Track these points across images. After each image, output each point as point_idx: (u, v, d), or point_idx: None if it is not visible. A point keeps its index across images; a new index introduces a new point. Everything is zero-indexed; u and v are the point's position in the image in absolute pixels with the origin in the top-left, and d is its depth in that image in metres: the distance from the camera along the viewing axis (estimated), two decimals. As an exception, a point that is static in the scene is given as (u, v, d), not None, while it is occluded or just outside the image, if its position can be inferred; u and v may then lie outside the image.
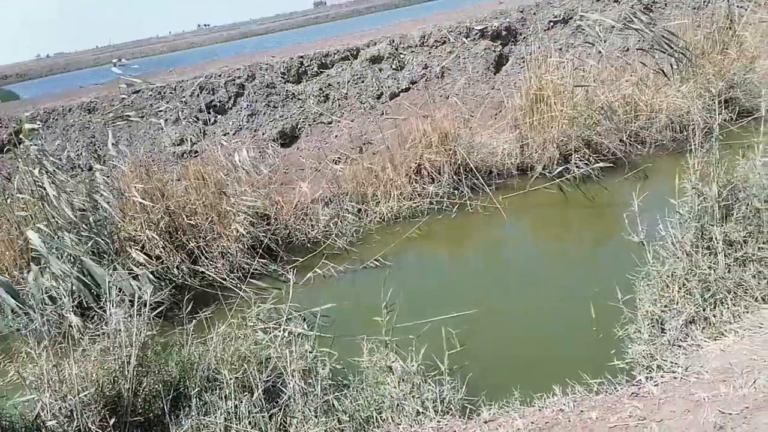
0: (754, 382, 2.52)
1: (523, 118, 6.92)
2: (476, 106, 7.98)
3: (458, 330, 3.97)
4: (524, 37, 9.35)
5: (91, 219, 4.96)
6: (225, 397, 3.20)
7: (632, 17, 6.18)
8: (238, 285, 5.09)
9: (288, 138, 7.95)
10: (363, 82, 8.68)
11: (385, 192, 6.49)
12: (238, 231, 5.53)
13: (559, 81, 6.73)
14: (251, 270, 5.35)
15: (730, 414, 2.36)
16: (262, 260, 5.48)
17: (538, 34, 8.32)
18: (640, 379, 3.12)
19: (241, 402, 3.17)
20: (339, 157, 7.34)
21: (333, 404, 3.25)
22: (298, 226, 6.08)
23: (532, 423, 2.88)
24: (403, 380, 3.34)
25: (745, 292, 3.45)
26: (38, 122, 7.19)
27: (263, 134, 7.85)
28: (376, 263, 5.42)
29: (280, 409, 3.24)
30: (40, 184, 4.87)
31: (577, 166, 6.30)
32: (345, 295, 4.98)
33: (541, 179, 6.54)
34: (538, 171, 6.60)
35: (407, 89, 8.61)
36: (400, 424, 3.06)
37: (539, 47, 6.99)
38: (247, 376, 3.31)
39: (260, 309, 4.42)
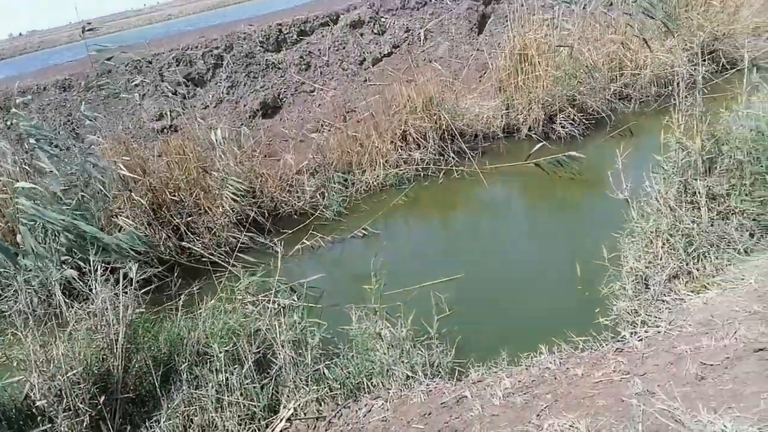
0: (735, 332, 2.56)
1: (508, 79, 6.84)
2: (460, 68, 7.87)
3: (447, 295, 4.00)
4: (507, -5, 9.17)
5: (80, 194, 4.90)
6: (216, 370, 3.21)
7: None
8: (226, 259, 5.07)
9: (270, 109, 7.82)
10: (344, 48, 8.51)
11: (370, 160, 6.44)
12: (223, 207, 5.49)
13: (543, 39, 6.62)
14: (239, 244, 5.33)
15: (712, 365, 2.39)
16: (249, 234, 5.45)
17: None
18: (625, 335, 3.17)
19: (232, 374, 3.18)
20: (323, 126, 7.24)
21: (324, 373, 3.28)
22: (284, 198, 6.04)
23: (519, 381, 2.92)
24: (392, 346, 3.37)
25: (728, 245, 3.47)
26: (28, 96, 7.04)
27: (244, 106, 7.71)
28: (364, 232, 5.41)
29: (271, 380, 3.26)
30: (27, 161, 4.82)
31: (562, 126, 6.26)
32: (334, 265, 4.98)
33: (527, 141, 6.50)
34: (524, 133, 6.56)
35: (390, 54, 8.46)
36: (390, 389, 3.10)
37: (523, 4, 6.84)
38: (237, 349, 3.33)
39: (249, 282, 4.42)
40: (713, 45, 6.97)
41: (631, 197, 3.87)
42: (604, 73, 6.71)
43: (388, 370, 3.22)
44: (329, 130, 7.15)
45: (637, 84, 6.96)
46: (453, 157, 6.30)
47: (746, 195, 3.54)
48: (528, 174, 6.04)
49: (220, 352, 3.26)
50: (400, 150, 6.46)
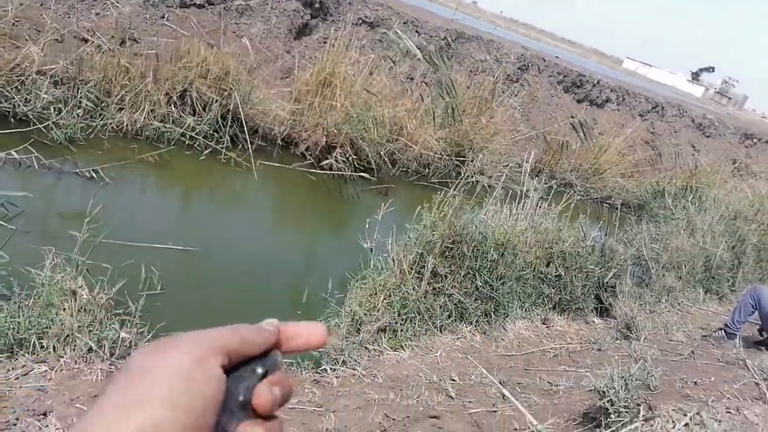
0: (418, 396, 2.89)
1: (306, 95, 6.88)
2: (266, 61, 7.64)
3: (163, 272, 3.62)
4: (333, 20, 9.37)
5: None
6: None
7: (435, 52, 6.74)
8: None
9: (34, -16, 6.31)
10: (155, -28, 7.49)
11: (135, 101, 5.67)
12: None
13: (350, 76, 6.90)
14: None
15: (394, 419, 2.64)
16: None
17: (346, 24, 8.40)
18: (325, 369, 3.30)
19: None
20: (92, 40, 6.13)
21: (-20, 314, 2.61)
22: (8, 93, 4.85)
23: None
24: (84, 310, 2.88)
25: (430, 318, 3.98)
26: None
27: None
28: (93, 174, 4.65)
29: None
30: None
31: (336, 160, 6.52)
32: (42, 193, 4.13)
33: (300, 158, 6.56)
34: (301, 149, 6.62)
35: (201, 6, 7.74)
36: (62, 357, 2.61)
37: (346, 35, 7.06)
38: None
39: None
40: (471, 153, 8.18)
41: (375, 248, 4.17)
42: (386, 132, 7.26)
43: (68, 336, 2.72)
44: (98, 47, 6.09)
45: (406, 154, 7.70)
46: (227, 140, 5.95)
47: (458, 282, 4.14)
48: (297, 185, 6.10)
49: None
50: (174, 106, 5.85)
